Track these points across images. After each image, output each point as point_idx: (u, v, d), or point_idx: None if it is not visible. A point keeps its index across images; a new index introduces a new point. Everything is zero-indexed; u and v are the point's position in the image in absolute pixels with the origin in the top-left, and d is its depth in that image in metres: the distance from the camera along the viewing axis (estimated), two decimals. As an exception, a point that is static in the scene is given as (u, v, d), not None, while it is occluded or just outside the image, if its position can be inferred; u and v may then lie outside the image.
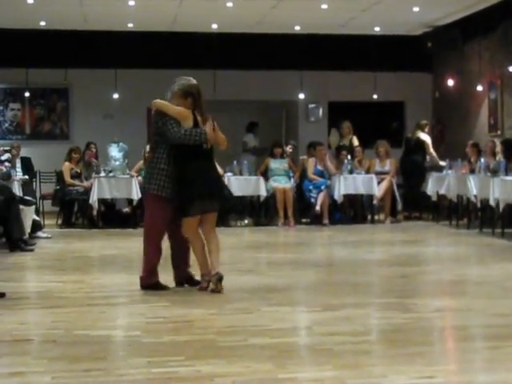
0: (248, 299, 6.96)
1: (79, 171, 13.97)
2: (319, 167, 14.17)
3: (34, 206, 11.80)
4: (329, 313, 6.34)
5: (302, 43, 16.69)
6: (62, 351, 5.16)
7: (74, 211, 14.34)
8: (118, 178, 13.44)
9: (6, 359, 5.04)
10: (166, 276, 7.51)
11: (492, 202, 11.86)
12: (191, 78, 7.58)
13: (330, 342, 5.36)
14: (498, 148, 13.70)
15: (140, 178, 13.53)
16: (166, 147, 7.30)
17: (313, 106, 17.83)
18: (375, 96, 17.20)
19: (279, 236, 13.03)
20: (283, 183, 14.05)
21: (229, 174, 13.85)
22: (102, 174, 13.52)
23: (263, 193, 13.87)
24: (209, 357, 4.96)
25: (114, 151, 14.67)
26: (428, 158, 15.13)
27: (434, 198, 14.22)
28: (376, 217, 14.39)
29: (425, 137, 15.11)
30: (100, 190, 13.24)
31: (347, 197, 14.15)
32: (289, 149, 15.03)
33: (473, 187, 12.56)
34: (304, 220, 14.43)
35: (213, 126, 7.38)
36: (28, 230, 11.17)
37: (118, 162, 14.06)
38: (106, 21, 15.47)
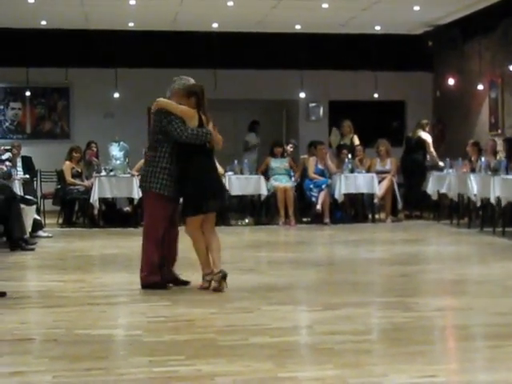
0: (248, 298, 6.96)
1: (80, 170, 13.97)
2: (320, 166, 14.16)
3: (34, 206, 11.80)
4: (329, 312, 6.34)
5: (303, 42, 16.69)
6: (63, 350, 5.16)
7: (75, 210, 14.35)
8: (119, 178, 13.44)
9: (7, 358, 5.04)
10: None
11: (493, 201, 11.86)
12: (190, 78, 7.58)
13: (330, 341, 5.36)
14: (500, 147, 13.71)
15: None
16: (168, 146, 7.28)
17: (313, 105, 17.83)
18: (376, 95, 17.21)
19: (280, 235, 13.03)
20: (284, 182, 14.05)
21: (229, 173, 13.85)
22: (103, 173, 13.53)
23: (264, 192, 13.86)
24: (209, 356, 4.97)
25: (115, 150, 14.67)
26: (428, 157, 15.12)
27: (435, 197, 14.21)
28: (377, 216, 14.39)
29: (426, 136, 15.10)
30: (101, 189, 13.24)
31: (348, 196, 14.15)
32: (289, 148, 15.03)
33: (473, 186, 12.56)
34: (305, 219, 14.43)
35: (213, 125, 7.42)
36: (29, 229, 11.17)
37: (118, 162, 14.06)
38: (107, 20, 15.47)
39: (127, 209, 13.67)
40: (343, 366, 4.74)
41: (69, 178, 13.73)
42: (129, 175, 13.48)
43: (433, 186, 14.15)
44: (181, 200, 7.54)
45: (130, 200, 13.50)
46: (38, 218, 12.36)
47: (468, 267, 9.20)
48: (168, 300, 6.86)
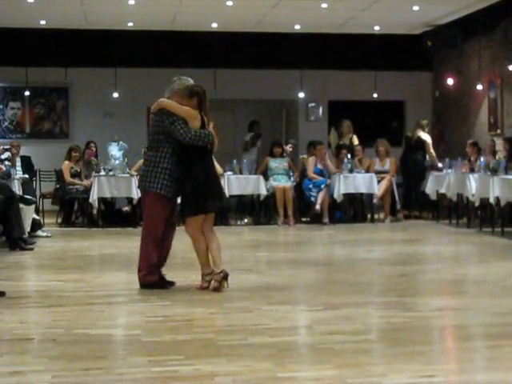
0: (248, 298, 6.96)
1: (79, 170, 13.97)
2: (319, 166, 14.16)
3: (33, 205, 11.80)
4: (329, 312, 6.34)
5: (302, 42, 16.68)
6: (62, 350, 5.16)
7: (74, 210, 14.35)
8: (118, 177, 13.44)
9: (6, 358, 5.04)
10: (170, 275, 7.52)
11: (492, 201, 11.86)
12: (189, 78, 7.58)
13: (330, 340, 5.36)
14: (501, 146, 13.71)
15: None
16: (169, 146, 7.27)
17: (313, 105, 17.83)
18: (375, 95, 17.21)
19: (279, 235, 13.03)
20: (283, 182, 14.05)
21: (229, 173, 13.84)
22: (102, 172, 13.53)
23: (263, 192, 13.86)
24: (209, 356, 4.97)
25: (114, 150, 14.69)
26: (427, 157, 15.12)
27: (434, 197, 14.22)
28: (376, 216, 14.39)
29: (425, 136, 15.09)
30: (100, 188, 13.24)
31: (347, 196, 14.15)
32: (289, 148, 15.04)
33: (472, 186, 12.57)
34: (304, 219, 14.43)
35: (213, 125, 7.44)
36: (28, 228, 11.18)
37: (117, 161, 14.07)
38: (106, 20, 15.47)
39: (126, 208, 13.66)
40: (342, 365, 4.74)
41: (68, 178, 13.72)
42: (128, 175, 13.48)
43: (432, 185, 14.15)
44: (179, 200, 7.55)
45: (129, 200, 13.49)
46: (37, 217, 12.37)
47: (467, 267, 9.20)
48: (167, 300, 6.86)
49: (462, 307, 6.69)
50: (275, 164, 14.27)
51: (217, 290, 7.16)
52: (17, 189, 11.70)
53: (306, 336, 5.82)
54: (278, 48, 16.83)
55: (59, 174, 14.08)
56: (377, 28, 16.31)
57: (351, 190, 14.10)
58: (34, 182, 14.58)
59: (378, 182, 14.16)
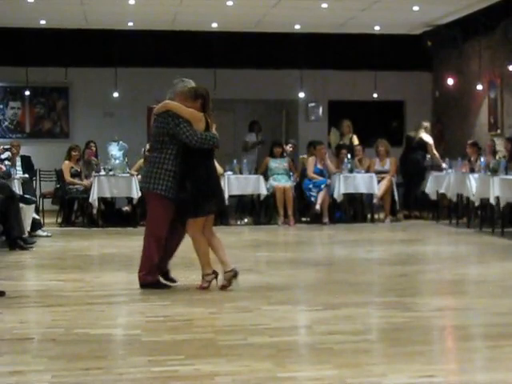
0: (248, 298, 6.96)
1: (79, 170, 13.98)
2: (319, 166, 14.16)
3: (33, 205, 11.80)
4: (329, 312, 6.34)
5: (302, 42, 16.68)
6: (62, 350, 5.16)
7: (74, 210, 14.35)
8: (118, 177, 13.44)
9: (6, 358, 5.04)
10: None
11: (492, 201, 11.86)
12: (191, 80, 7.58)
13: (329, 340, 5.36)
14: (501, 146, 13.70)
15: (140, 176, 13.53)
16: (173, 148, 7.28)
17: (313, 104, 17.83)
18: (375, 95, 17.22)
19: (279, 235, 13.03)
20: (283, 182, 14.05)
21: (229, 172, 13.84)
22: (102, 172, 13.53)
23: (263, 192, 13.86)
24: (208, 356, 4.97)
25: (114, 150, 14.68)
26: (428, 157, 15.11)
27: (434, 197, 14.22)
28: (376, 216, 14.39)
29: (428, 138, 15.08)
30: (100, 188, 13.25)
31: (347, 196, 14.15)
32: (289, 148, 15.04)
33: (472, 186, 12.57)
34: (304, 219, 14.43)
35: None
36: (28, 228, 11.18)
37: (117, 161, 14.07)
38: (106, 19, 15.47)
39: (126, 208, 13.66)
40: (342, 365, 4.73)
41: (68, 178, 13.72)
42: (128, 175, 13.48)
43: (432, 186, 14.15)
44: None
45: (129, 199, 13.49)
46: (37, 217, 12.37)
47: (467, 267, 9.20)
48: (167, 299, 6.86)
49: (461, 307, 6.69)
50: (275, 164, 14.27)
51: (225, 287, 7.23)
52: (17, 188, 11.70)
53: (305, 336, 5.82)
54: (278, 48, 16.83)
55: (59, 174, 14.08)
56: (377, 28, 16.31)
57: (351, 190, 14.10)
58: (34, 182, 14.58)
59: (378, 182, 14.16)
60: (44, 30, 16.04)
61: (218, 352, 5.07)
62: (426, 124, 15.28)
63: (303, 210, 14.50)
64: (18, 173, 13.15)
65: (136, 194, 13.16)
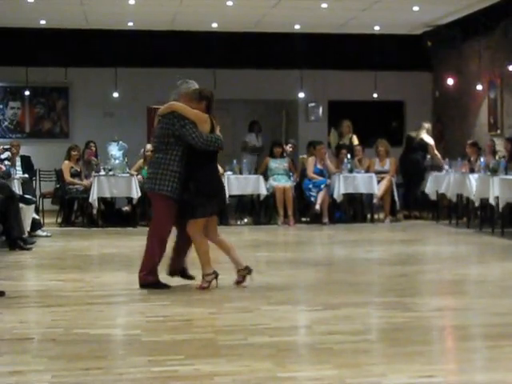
0: (247, 298, 6.96)
1: (79, 170, 13.98)
2: (319, 166, 14.16)
3: (33, 205, 11.80)
4: (328, 312, 6.34)
5: (302, 42, 16.69)
6: (62, 350, 5.16)
7: (74, 210, 14.34)
8: (118, 177, 13.44)
9: (6, 358, 5.04)
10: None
11: (492, 201, 11.86)
12: (194, 82, 7.61)
13: (329, 340, 5.36)
14: (501, 146, 13.70)
15: (140, 176, 13.55)
16: (179, 149, 7.29)
17: (313, 105, 17.83)
18: (375, 95, 17.22)
19: (279, 235, 13.03)
20: (283, 182, 14.05)
21: (229, 173, 13.84)
22: (102, 172, 13.53)
23: (263, 192, 13.86)
24: (208, 356, 4.97)
25: (114, 150, 14.69)
26: (428, 157, 15.11)
27: (433, 197, 14.21)
28: (376, 216, 14.39)
29: (429, 139, 15.08)
30: (100, 188, 13.24)
31: (347, 196, 14.15)
32: (289, 148, 15.04)
33: (472, 186, 12.57)
34: (304, 219, 14.43)
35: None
36: (28, 228, 11.17)
37: (117, 161, 14.07)
38: (106, 19, 15.47)
39: (126, 208, 13.66)
40: (342, 365, 4.74)
41: (68, 178, 13.72)
42: (128, 175, 13.48)
43: (431, 186, 14.15)
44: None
45: (129, 199, 13.49)
46: (37, 217, 12.37)
47: (467, 267, 9.20)
48: (167, 300, 6.86)
49: (461, 307, 6.69)
50: (275, 164, 14.27)
51: (240, 283, 7.43)
52: (17, 188, 11.71)
53: (305, 336, 5.82)
54: (278, 48, 16.82)
55: (59, 174, 14.08)
56: (377, 28, 16.31)
57: (351, 190, 14.10)
58: (34, 182, 14.58)
59: (378, 182, 14.16)
60: (44, 29, 16.04)
61: (217, 352, 5.08)
62: (428, 125, 15.28)
63: (303, 210, 14.50)
64: (18, 173, 13.17)
65: (136, 194, 13.16)
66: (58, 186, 14.21)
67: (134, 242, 10.96)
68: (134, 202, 13.30)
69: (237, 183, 13.80)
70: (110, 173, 13.51)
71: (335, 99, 17.58)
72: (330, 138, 16.29)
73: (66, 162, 13.87)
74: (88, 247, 11.21)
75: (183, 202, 7.28)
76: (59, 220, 14.02)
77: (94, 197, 13.18)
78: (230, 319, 6.11)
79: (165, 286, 7.36)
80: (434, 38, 16.90)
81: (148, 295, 7.10)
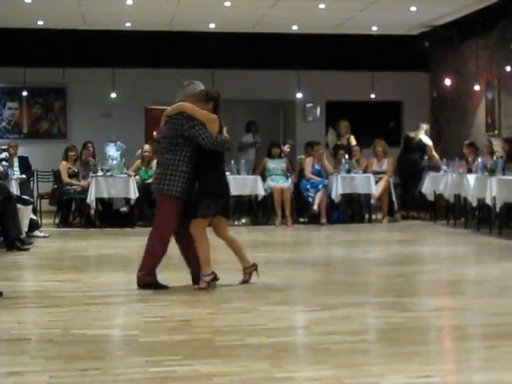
0: (245, 298, 6.96)
1: (76, 170, 13.97)
2: (317, 167, 14.17)
3: (31, 205, 11.79)
4: (326, 312, 6.34)
5: (300, 43, 16.69)
6: (60, 350, 5.16)
7: (72, 210, 14.33)
8: (116, 177, 13.44)
9: (4, 358, 5.04)
10: (168, 275, 7.52)
11: (489, 202, 11.87)
12: (200, 83, 7.61)
13: (327, 341, 5.36)
14: (499, 146, 13.71)
15: (137, 177, 13.56)
16: (188, 150, 7.29)
17: (310, 105, 17.83)
18: (373, 95, 17.22)
19: (277, 235, 13.04)
20: (281, 183, 14.05)
21: (227, 173, 13.80)
22: (100, 173, 13.53)
23: (261, 192, 13.86)
24: (206, 356, 4.97)
25: (112, 150, 14.68)
26: (426, 157, 15.12)
27: (431, 198, 14.22)
28: (373, 216, 14.40)
29: (427, 140, 15.10)
30: (97, 189, 13.24)
31: (345, 196, 14.15)
32: (286, 148, 15.05)
33: (469, 187, 12.58)
34: (301, 219, 14.44)
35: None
36: (25, 229, 11.17)
37: (115, 161, 14.07)
38: (104, 20, 15.47)
39: (124, 209, 13.66)
40: (340, 366, 4.74)
41: (65, 178, 13.72)
42: (125, 175, 13.47)
43: (429, 186, 14.16)
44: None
45: (127, 200, 13.49)
46: (35, 217, 12.35)
47: (464, 267, 9.21)
48: (165, 300, 6.85)
49: (459, 307, 6.69)
50: (273, 165, 14.27)
51: (246, 282, 7.52)
52: (14, 189, 11.71)
53: (303, 336, 5.82)
54: (276, 48, 16.83)
55: (57, 175, 14.07)
56: (374, 28, 16.31)
57: (349, 191, 14.11)
58: (32, 183, 14.58)
59: (376, 182, 14.17)
60: (41, 30, 16.02)
61: (215, 352, 5.07)
62: (426, 126, 15.30)
63: (301, 210, 14.51)
64: (16, 173, 13.17)
65: (133, 194, 13.16)
66: (55, 186, 14.21)
67: (131, 243, 10.97)
68: (132, 202, 13.30)
69: (235, 183, 13.76)
70: (108, 173, 13.51)
71: (333, 99, 17.58)
72: (328, 138, 16.29)
73: (64, 162, 13.87)
74: (86, 248, 11.20)
75: (189, 201, 7.30)
76: (57, 221, 14.01)
77: (91, 197, 13.18)
78: (228, 320, 6.11)
79: (163, 287, 7.36)
80: (431, 39, 16.90)
81: (146, 296, 7.09)
